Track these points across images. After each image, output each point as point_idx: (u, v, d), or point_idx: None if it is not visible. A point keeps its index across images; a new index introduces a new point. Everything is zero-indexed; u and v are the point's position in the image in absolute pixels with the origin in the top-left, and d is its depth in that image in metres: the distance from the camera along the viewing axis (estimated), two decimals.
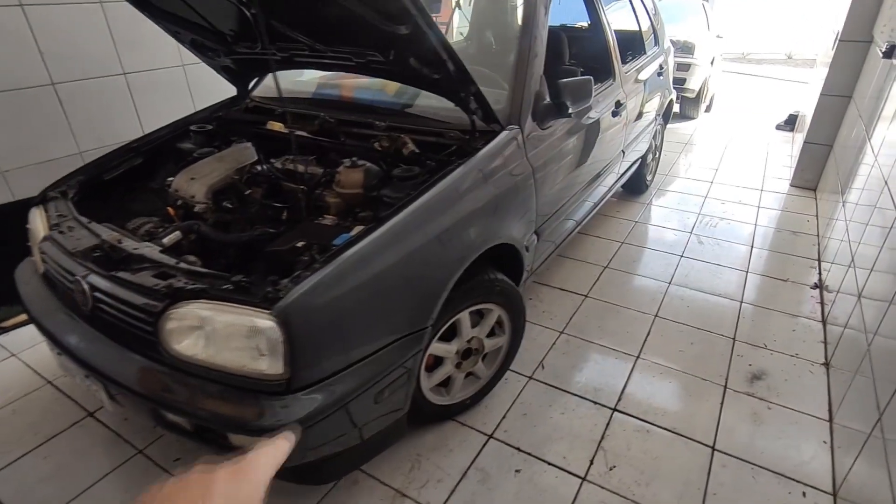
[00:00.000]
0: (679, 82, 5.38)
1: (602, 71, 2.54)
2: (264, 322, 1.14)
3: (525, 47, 1.84)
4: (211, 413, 1.17)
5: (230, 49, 1.95)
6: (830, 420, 1.78)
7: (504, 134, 1.69)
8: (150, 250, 1.39)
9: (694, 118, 5.90)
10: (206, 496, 0.33)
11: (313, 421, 1.18)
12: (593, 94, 1.92)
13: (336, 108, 2.01)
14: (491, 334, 1.79)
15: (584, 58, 2.88)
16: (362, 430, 1.35)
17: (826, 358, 2.07)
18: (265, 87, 2.32)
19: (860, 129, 2.81)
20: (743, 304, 2.44)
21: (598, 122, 2.30)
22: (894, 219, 1.70)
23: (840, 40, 3.30)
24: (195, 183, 1.70)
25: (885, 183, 1.96)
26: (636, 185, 3.57)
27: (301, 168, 1.83)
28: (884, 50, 2.39)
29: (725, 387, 1.94)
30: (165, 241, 1.52)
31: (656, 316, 2.35)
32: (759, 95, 7.53)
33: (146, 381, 1.26)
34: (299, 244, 1.40)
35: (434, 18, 1.34)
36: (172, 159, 2.00)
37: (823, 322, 2.29)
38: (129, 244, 1.42)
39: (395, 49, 1.53)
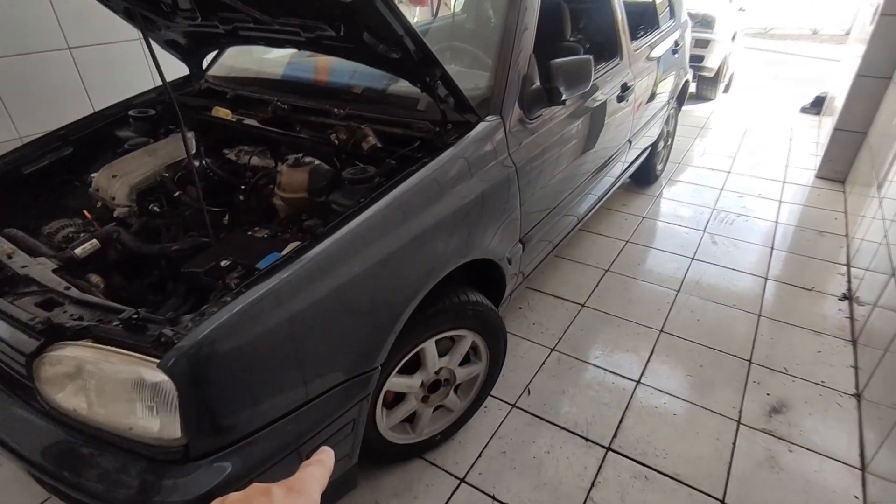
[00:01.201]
0: (696, 60, 4.98)
1: (608, 48, 2.22)
2: (153, 374, 0.89)
3: (511, 21, 1.54)
4: (80, 485, 0.93)
5: (169, 20, 1.67)
6: (863, 468, 1.52)
7: (481, 126, 1.40)
8: (41, 269, 1.14)
9: (711, 99, 5.50)
10: None
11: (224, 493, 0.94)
12: (593, 76, 1.62)
13: (302, 93, 1.72)
14: (465, 361, 1.54)
15: (589, 32, 2.55)
16: None
17: (857, 388, 1.80)
18: (223, 65, 2.04)
19: None
20: (761, 318, 2.16)
21: (600, 107, 1.99)
22: None
23: (881, 14, 2.92)
24: (116, 181, 1.44)
25: None
26: (645, 176, 3.26)
27: (248, 161, 1.57)
28: None
29: (739, 422, 1.68)
30: (78, 251, 1.28)
31: (662, 331, 2.08)
32: (783, 74, 7.06)
33: (19, 434, 1.03)
34: (223, 263, 1.15)
35: None
36: (111, 149, 1.75)
37: (854, 342, 2.01)
38: (19, 261, 1.17)
39: (343, 22, 1.24)
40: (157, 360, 0.87)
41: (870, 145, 3.06)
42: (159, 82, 2.09)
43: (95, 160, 1.71)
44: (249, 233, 1.30)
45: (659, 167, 3.39)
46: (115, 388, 0.93)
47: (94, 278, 1.23)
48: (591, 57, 1.59)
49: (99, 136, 1.77)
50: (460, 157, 1.33)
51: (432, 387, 1.47)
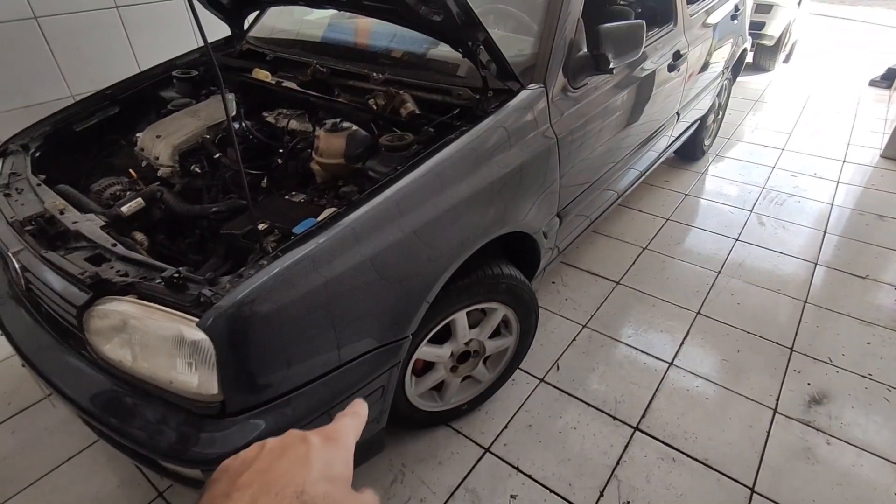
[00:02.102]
0: (757, 27, 4.65)
1: (661, 12, 2.09)
2: (192, 332, 0.92)
3: None
4: (125, 432, 0.99)
5: None
6: None
7: (523, 95, 1.35)
8: (91, 226, 1.18)
9: (770, 70, 5.16)
10: (305, 463, 0.31)
11: None
12: (644, 43, 1.53)
13: (342, 56, 1.70)
14: (496, 334, 1.53)
15: None
16: None
17: None
18: (265, 26, 2.03)
19: None
20: (807, 304, 2.06)
21: (649, 77, 1.89)
22: None
23: None
24: (160, 142, 1.47)
25: None
26: (691, 151, 3.11)
27: (286, 125, 1.57)
28: None
29: (775, 410, 1.63)
30: (125, 209, 1.32)
31: (699, 313, 2.02)
32: (853, 44, 6.53)
33: (71, 381, 1.09)
34: (260, 226, 1.17)
35: None
36: (155, 109, 1.78)
37: None
38: (70, 216, 1.21)
39: None
40: (197, 319, 0.90)
41: None
42: (202, 43, 2.12)
43: (141, 120, 1.75)
44: (287, 197, 1.31)
45: (707, 142, 3.23)
46: (157, 343, 0.97)
47: (139, 236, 1.27)
48: (643, 22, 1.49)
49: (144, 95, 1.80)
50: (500, 126, 1.29)
51: (462, 357, 1.47)
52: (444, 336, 1.39)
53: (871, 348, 1.85)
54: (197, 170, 1.46)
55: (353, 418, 0.39)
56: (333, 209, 1.15)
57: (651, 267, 2.29)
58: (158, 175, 1.46)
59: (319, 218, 1.11)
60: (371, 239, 1.04)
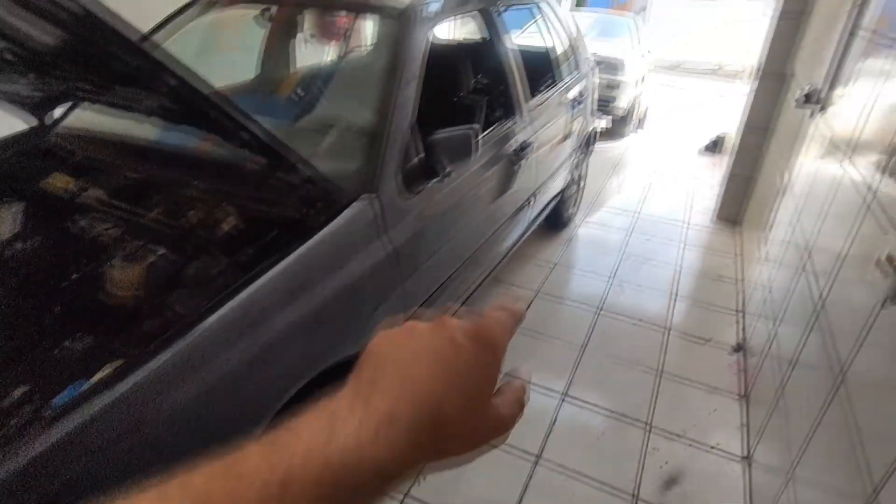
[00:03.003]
0: (607, 101, 5.21)
1: (506, 107, 2.19)
2: None
3: (389, 94, 1.45)
4: None
5: None
6: None
7: (354, 208, 1.28)
8: None
9: (624, 136, 5.75)
10: (447, 371, 0.29)
11: None
12: (477, 148, 1.55)
13: (158, 160, 1.53)
14: None
15: (489, 83, 2.55)
16: None
17: (747, 450, 1.82)
18: (77, 118, 1.80)
19: (779, 164, 2.64)
20: (662, 375, 2.17)
21: (496, 169, 1.95)
22: (802, 268, 1.45)
23: (762, 72, 3.14)
24: None
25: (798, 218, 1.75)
26: (556, 221, 3.28)
27: (84, 240, 1.36)
28: (804, 94, 2.18)
29: (636, 497, 1.63)
30: None
31: (566, 395, 2.03)
32: (692, 110, 7.55)
33: None
34: (17, 392, 0.95)
35: None
36: None
37: (745, 398, 2.05)
38: None
39: (181, 100, 1.09)
40: None
41: (757, 191, 3.25)
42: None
43: None
44: (65, 342, 1.10)
45: (570, 211, 3.44)
46: None
47: None
48: (476, 127, 1.52)
49: None
50: (328, 244, 1.21)
51: None
52: None
53: (717, 416, 1.97)
54: None
55: (509, 317, 0.34)
56: (118, 361, 0.97)
57: (519, 346, 2.30)
58: None
59: (94, 379, 0.93)
60: (160, 402, 0.88)
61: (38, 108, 1.66)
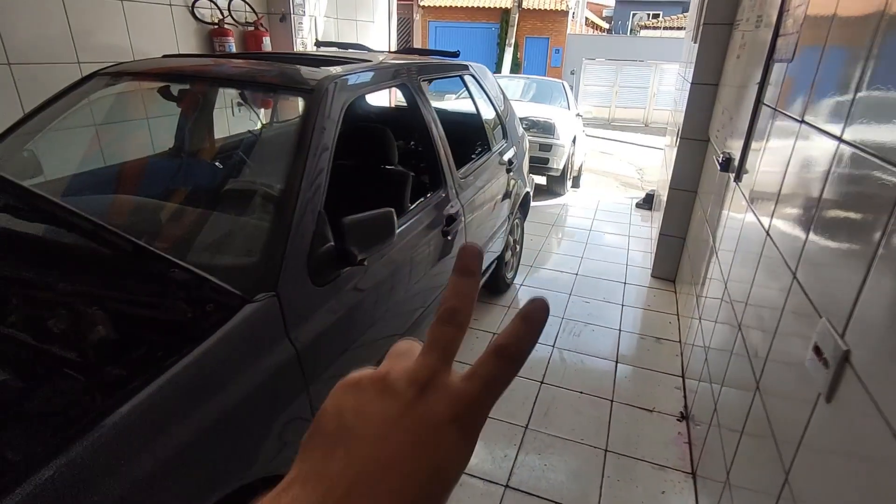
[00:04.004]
0: (542, 162, 5.36)
1: (432, 180, 2.13)
2: None
3: (293, 177, 1.33)
4: None
5: None
6: None
7: (247, 310, 1.13)
8: None
9: (562, 194, 5.90)
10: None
11: None
12: (397, 229, 1.45)
13: (16, 257, 1.33)
14: None
15: (418, 148, 2.50)
16: None
17: None
18: None
19: (705, 228, 2.70)
20: (608, 454, 2.05)
21: (427, 241, 1.85)
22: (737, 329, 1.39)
23: (681, 138, 3.29)
24: None
25: (725, 286, 1.73)
26: (496, 286, 3.21)
27: None
28: (720, 161, 2.27)
29: None
30: None
31: (507, 486, 1.87)
32: (624, 162, 7.94)
33: None
34: None
35: None
36: None
37: (693, 474, 1.96)
38: None
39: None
40: None
41: (688, 250, 3.33)
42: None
43: None
44: None
45: (510, 275, 3.39)
46: None
47: None
48: (391, 210, 1.43)
49: None
50: (215, 356, 1.03)
51: None
52: None
53: (666, 499, 1.85)
54: None
55: (497, 375, 0.27)
56: None
57: None
58: None
59: None
60: None
61: None
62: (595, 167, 7.52)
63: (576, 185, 6.51)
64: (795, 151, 1.34)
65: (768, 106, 1.73)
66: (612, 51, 15.60)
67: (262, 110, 3.82)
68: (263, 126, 2.69)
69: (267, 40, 3.69)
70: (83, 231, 0.99)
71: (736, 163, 2.08)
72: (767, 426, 1.22)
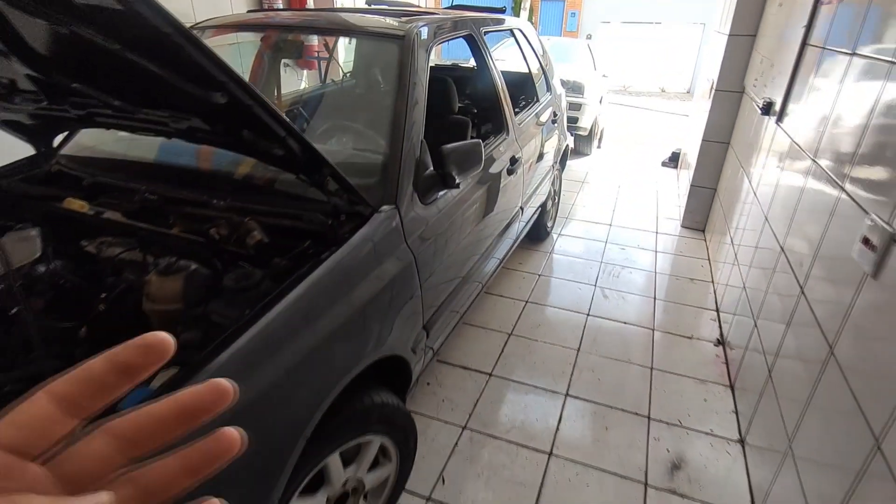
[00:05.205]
0: (572, 121, 5.47)
1: (495, 124, 2.32)
2: None
3: (401, 109, 1.54)
4: None
5: (6, 102, 1.45)
6: None
7: (375, 219, 1.35)
8: None
9: (588, 154, 6.04)
10: None
11: None
12: (484, 156, 1.66)
13: (176, 179, 1.56)
14: (374, 463, 1.42)
15: (475, 100, 2.68)
16: None
17: (740, 433, 1.95)
18: (80, 144, 1.81)
19: (740, 174, 2.87)
20: (654, 371, 2.29)
21: (493, 182, 2.06)
22: (776, 260, 1.60)
23: (716, 90, 3.42)
24: None
25: (766, 220, 1.95)
26: (537, 233, 3.42)
27: (114, 256, 1.36)
28: (761, 106, 2.42)
29: (647, 484, 1.72)
30: None
31: (567, 395, 2.12)
32: (644, 128, 8.00)
33: None
34: None
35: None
36: None
37: (731, 387, 2.20)
38: None
39: (219, 117, 1.15)
40: None
41: (720, 199, 3.50)
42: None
43: None
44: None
45: (549, 224, 3.59)
46: None
47: None
48: (479, 141, 1.63)
49: None
50: (355, 253, 1.26)
51: (340, 499, 1.33)
52: (316, 484, 1.25)
53: (708, 405, 2.10)
54: None
55: None
56: (173, 369, 0.99)
57: (519, 353, 2.38)
58: None
59: (154, 385, 0.95)
60: None
61: (45, 133, 1.66)
62: (617, 129, 7.60)
63: (600, 146, 6.62)
64: (846, 81, 1.51)
65: (815, 46, 1.88)
66: (629, 13, 15.30)
67: (306, 71, 4.00)
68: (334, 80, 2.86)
69: None
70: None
71: (778, 106, 2.24)
72: (812, 317, 1.44)
